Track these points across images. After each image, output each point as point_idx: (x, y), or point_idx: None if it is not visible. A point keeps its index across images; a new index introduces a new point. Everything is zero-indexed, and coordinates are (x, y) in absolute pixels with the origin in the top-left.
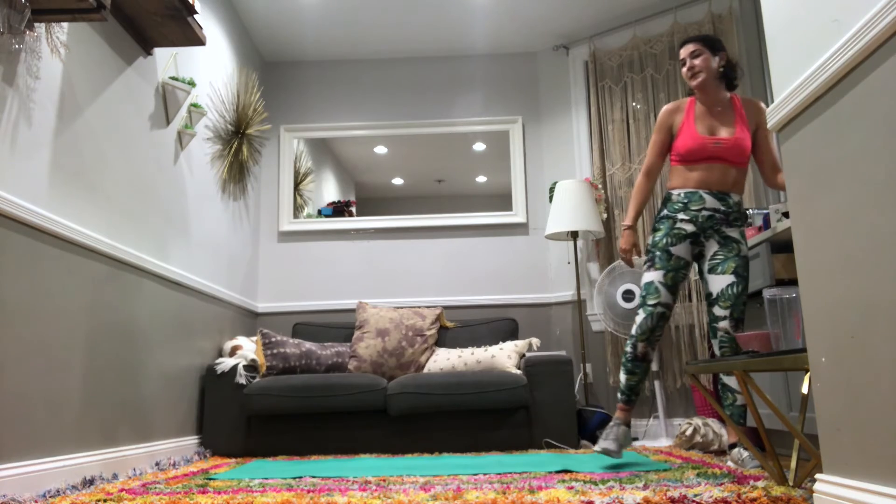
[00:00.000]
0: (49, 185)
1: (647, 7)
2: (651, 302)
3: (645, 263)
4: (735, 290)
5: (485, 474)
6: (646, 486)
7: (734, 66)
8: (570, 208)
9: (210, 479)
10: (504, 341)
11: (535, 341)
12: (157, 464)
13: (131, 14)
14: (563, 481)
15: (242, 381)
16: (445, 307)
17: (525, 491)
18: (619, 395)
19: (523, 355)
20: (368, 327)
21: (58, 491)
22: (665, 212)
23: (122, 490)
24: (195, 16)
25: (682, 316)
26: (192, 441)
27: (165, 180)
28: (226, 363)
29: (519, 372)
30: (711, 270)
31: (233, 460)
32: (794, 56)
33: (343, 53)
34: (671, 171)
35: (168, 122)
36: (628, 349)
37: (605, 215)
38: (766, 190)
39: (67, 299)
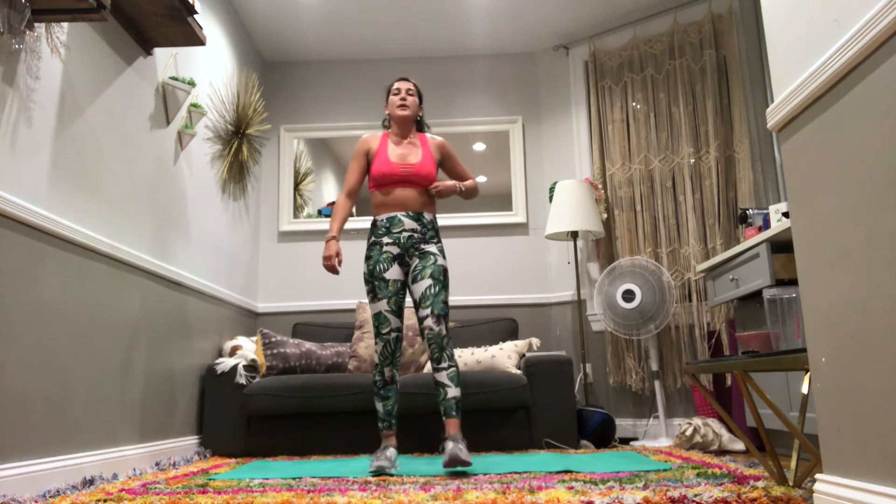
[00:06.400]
0: (49, 185)
1: (647, 7)
2: (384, 331)
3: (367, 294)
4: (433, 290)
5: (485, 474)
6: (646, 486)
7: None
8: (570, 208)
9: (210, 479)
10: (504, 341)
11: (535, 341)
12: (157, 464)
13: (131, 14)
14: (563, 481)
15: (242, 381)
16: None
17: (525, 491)
18: (379, 423)
19: (523, 355)
20: (368, 327)
21: (58, 491)
22: (372, 238)
23: (122, 490)
24: (195, 16)
25: (682, 316)
26: (192, 441)
27: (165, 180)
28: (226, 363)
29: (519, 372)
30: (413, 281)
31: (233, 460)
32: (794, 56)
33: (343, 53)
34: (372, 197)
35: (168, 122)
36: (377, 378)
37: (605, 215)
38: (767, 190)
39: (67, 299)
